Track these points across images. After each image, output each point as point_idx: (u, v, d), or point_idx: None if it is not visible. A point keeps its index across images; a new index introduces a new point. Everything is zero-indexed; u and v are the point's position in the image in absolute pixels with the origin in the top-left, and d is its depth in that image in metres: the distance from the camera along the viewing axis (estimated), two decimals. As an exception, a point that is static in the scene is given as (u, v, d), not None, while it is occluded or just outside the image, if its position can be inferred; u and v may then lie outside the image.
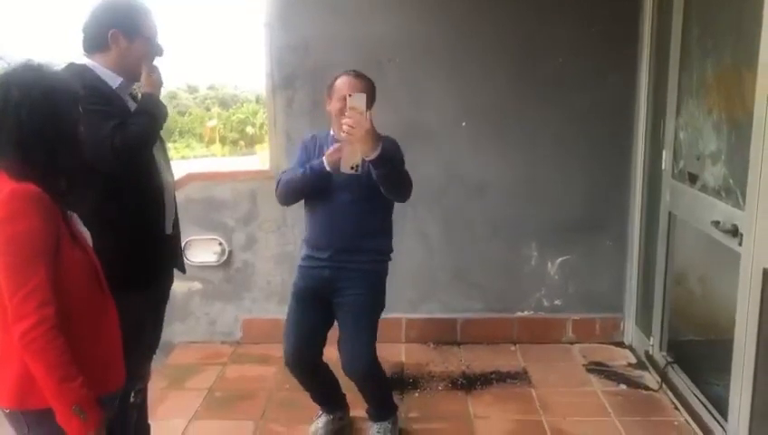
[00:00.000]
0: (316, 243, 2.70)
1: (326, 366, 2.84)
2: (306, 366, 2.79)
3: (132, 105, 2.29)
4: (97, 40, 2.19)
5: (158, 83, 2.31)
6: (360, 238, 2.64)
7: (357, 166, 2.39)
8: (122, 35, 2.17)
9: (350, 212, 2.61)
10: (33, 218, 1.48)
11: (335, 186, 2.58)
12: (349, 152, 2.38)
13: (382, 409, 2.87)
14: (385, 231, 2.73)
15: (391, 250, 2.76)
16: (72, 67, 2.18)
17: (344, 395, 2.97)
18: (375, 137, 2.34)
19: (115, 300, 1.77)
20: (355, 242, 2.63)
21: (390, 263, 2.78)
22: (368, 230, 2.65)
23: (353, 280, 2.65)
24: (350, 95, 2.36)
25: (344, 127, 2.33)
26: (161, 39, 2.30)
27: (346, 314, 2.69)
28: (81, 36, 2.22)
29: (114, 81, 2.20)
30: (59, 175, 1.57)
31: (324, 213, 2.66)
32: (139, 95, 2.34)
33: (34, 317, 1.45)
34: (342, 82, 2.57)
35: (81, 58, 2.22)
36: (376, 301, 2.72)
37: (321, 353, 2.79)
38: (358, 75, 2.59)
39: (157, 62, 2.32)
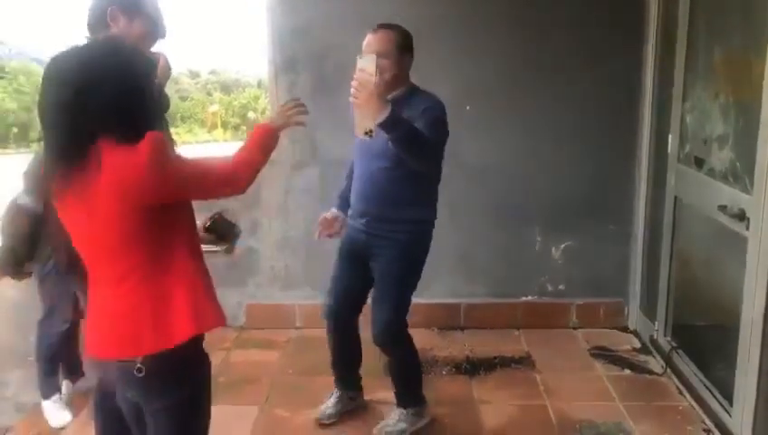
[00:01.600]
0: (355, 208, 2.73)
1: (358, 335, 2.88)
2: (340, 322, 2.84)
3: None
4: (98, 19, 2.16)
5: (164, 72, 2.26)
6: (394, 207, 2.60)
7: (370, 130, 2.27)
8: (121, 13, 2.14)
9: (386, 179, 2.57)
10: (172, 148, 1.70)
11: (372, 153, 2.55)
12: (359, 117, 2.28)
13: (405, 393, 2.84)
14: (422, 200, 2.65)
15: (431, 219, 2.70)
16: None
17: (360, 377, 3.00)
18: (381, 99, 2.23)
19: None
20: (389, 210, 2.60)
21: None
22: (403, 199, 2.59)
23: (387, 248, 2.64)
24: (359, 57, 2.29)
25: (351, 90, 2.25)
26: (165, 20, 2.26)
27: (377, 279, 2.71)
28: (86, 16, 2.20)
29: None
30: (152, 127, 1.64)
31: (362, 180, 2.66)
32: None
33: (235, 175, 1.76)
34: (365, 43, 2.52)
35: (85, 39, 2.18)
36: (406, 271, 2.67)
37: (357, 313, 2.83)
38: (379, 29, 2.51)
39: (158, 45, 2.29)
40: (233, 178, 1.75)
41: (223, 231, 2.07)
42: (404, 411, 2.82)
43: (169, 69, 2.30)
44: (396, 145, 2.35)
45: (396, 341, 2.71)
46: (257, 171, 1.81)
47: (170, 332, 1.62)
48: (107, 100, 1.54)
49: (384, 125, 2.23)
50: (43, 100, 1.56)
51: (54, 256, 2.69)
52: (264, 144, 1.86)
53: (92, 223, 1.58)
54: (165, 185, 1.57)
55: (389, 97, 2.38)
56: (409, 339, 2.75)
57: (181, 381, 1.69)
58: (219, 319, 1.73)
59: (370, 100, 2.21)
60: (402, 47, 2.51)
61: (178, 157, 1.66)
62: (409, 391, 2.85)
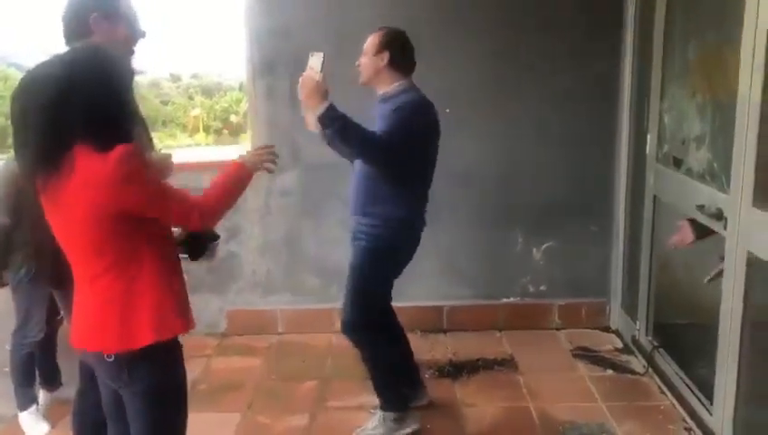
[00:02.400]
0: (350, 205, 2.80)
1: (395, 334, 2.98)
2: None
3: None
4: (78, 27, 2.09)
5: (166, 170, 2.26)
6: (368, 204, 2.68)
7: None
8: (104, 19, 2.10)
9: (364, 176, 2.68)
10: (146, 163, 1.68)
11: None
12: (305, 111, 2.49)
13: (381, 394, 2.82)
14: (394, 198, 2.65)
15: (403, 218, 2.68)
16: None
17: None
18: (320, 95, 2.38)
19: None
20: (365, 207, 2.69)
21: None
22: (376, 196, 2.66)
23: (358, 241, 2.72)
24: (310, 54, 2.46)
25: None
26: (142, 21, 2.23)
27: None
28: (61, 26, 2.13)
29: None
30: (130, 138, 1.66)
31: (352, 178, 2.77)
32: None
33: (197, 207, 1.73)
34: None
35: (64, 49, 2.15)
36: (367, 264, 2.69)
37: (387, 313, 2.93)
38: (375, 31, 2.70)
39: (140, 47, 2.25)
40: (191, 216, 1.74)
41: (194, 250, 2.05)
42: (383, 415, 2.80)
43: (172, 168, 2.28)
44: (333, 140, 2.55)
45: (355, 334, 2.73)
46: (221, 213, 1.83)
47: (134, 335, 1.67)
48: (88, 108, 1.57)
49: (321, 120, 2.39)
50: (25, 105, 1.59)
51: (36, 262, 2.65)
52: (237, 185, 1.88)
53: (67, 225, 1.65)
54: (128, 198, 1.60)
55: (381, 94, 2.65)
56: (376, 336, 2.75)
57: (150, 372, 1.73)
58: (184, 326, 1.77)
59: (311, 95, 2.38)
60: (381, 46, 2.63)
61: (150, 176, 1.66)
62: (384, 392, 2.82)
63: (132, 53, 2.21)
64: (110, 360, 1.70)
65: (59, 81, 1.57)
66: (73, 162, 1.56)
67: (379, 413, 2.81)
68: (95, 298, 1.70)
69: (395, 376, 2.86)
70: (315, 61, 2.42)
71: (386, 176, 2.62)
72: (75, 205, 1.59)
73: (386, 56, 2.62)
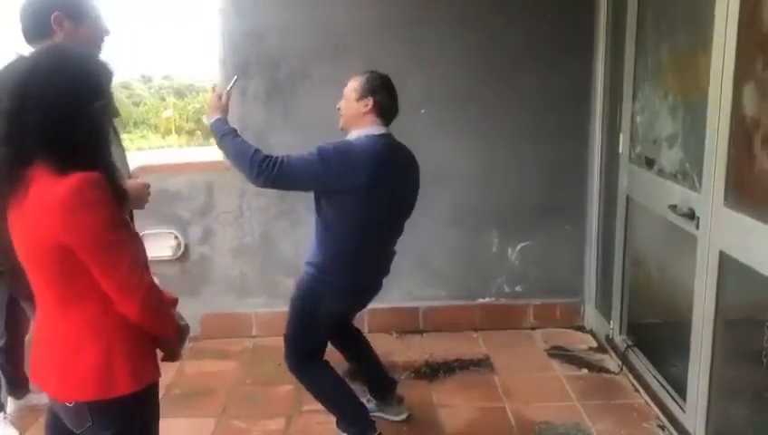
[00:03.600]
0: None
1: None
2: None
3: None
4: (39, 26, 2.04)
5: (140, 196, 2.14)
6: (311, 247, 2.60)
7: None
8: (67, 18, 2.04)
9: (315, 223, 2.58)
10: (110, 201, 1.44)
11: None
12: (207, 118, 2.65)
13: (336, 418, 2.77)
14: (320, 245, 2.53)
15: (324, 268, 2.52)
16: (18, 60, 2.05)
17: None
18: (216, 108, 2.52)
19: None
20: (308, 255, 2.61)
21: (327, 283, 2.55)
22: (313, 241, 2.57)
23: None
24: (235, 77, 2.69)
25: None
26: (106, 19, 2.18)
27: None
28: (20, 25, 2.07)
29: None
30: (97, 164, 1.46)
31: None
32: None
33: (145, 284, 1.49)
34: None
35: (23, 49, 2.05)
36: (296, 310, 2.63)
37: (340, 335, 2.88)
38: (356, 75, 2.57)
39: (106, 46, 2.20)
40: (135, 292, 1.48)
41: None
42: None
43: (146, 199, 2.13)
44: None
45: (293, 371, 2.69)
46: (161, 320, 1.58)
47: (106, 383, 1.51)
48: (46, 121, 1.40)
49: (210, 128, 2.53)
50: None
51: None
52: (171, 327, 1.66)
53: (22, 250, 1.50)
54: (70, 235, 1.40)
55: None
56: (312, 371, 2.68)
57: (119, 422, 1.57)
58: (158, 373, 1.65)
59: (211, 106, 2.53)
60: (366, 91, 2.49)
61: (108, 216, 1.44)
62: (334, 414, 2.75)
63: (99, 51, 2.16)
64: (71, 406, 1.53)
65: (15, 88, 1.40)
66: (29, 182, 1.40)
67: (339, 431, 2.75)
68: (56, 335, 1.52)
69: (342, 407, 2.74)
70: (232, 82, 2.64)
71: (328, 223, 2.48)
72: (26, 230, 1.44)
73: (370, 102, 2.48)
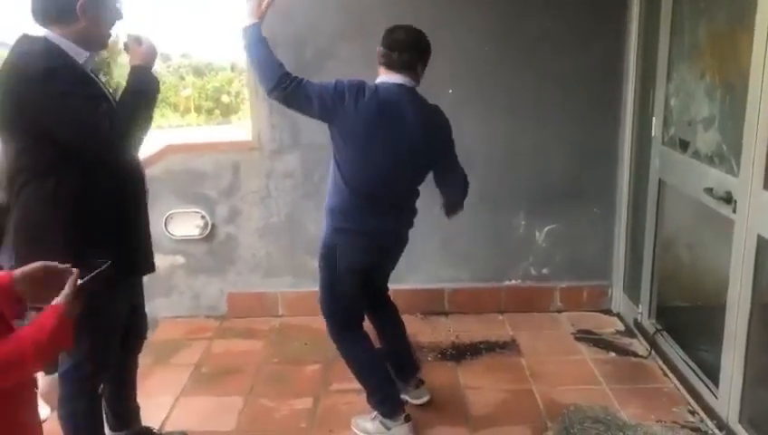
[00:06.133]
0: None
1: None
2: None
3: (98, 81, 2.16)
4: (60, 11, 1.99)
5: (150, 54, 2.17)
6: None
7: None
8: (90, 4, 1.99)
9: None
10: None
11: None
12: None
13: (367, 394, 2.77)
14: (330, 188, 2.60)
15: (332, 211, 2.57)
16: (29, 41, 2.00)
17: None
18: (254, 12, 2.53)
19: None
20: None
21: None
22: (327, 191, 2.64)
23: None
24: None
25: None
26: (121, 2, 2.15)
27: None
28: (34, 4, 2.01)
29: (80, 55, 2.04)
30: None
31: None
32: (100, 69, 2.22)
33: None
34: None
35: (36, 29, 2.03)
36: (321, 273, 2.68)
37: (371, 307, 2.87)
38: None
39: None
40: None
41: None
42: (374, 412, 2.75)
43: (154, 53, 2.19)
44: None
45: (332, 339, 2.74)
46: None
47: None
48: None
49: (243, 31, 2.54)
50: None
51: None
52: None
53: None
54: None
55: None
56: (346, 342, 2.72)
57: None
58: None
59: (251, 8, 2.53)
60: (380, 42, 2.55)
61: None
62: (366, 391, 2.76)
63: (108, 36, 2.14)
64: None
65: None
66: None
67: (370, 411, 2.77)
68: None
69: (367, 382, 2.75)
70: None
71: (335, 165, 2.55)
72: None
73: (379, 52, 2.53)
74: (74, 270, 1.49)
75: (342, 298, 2.66)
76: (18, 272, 1.47)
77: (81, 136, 1.96)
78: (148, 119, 2.13)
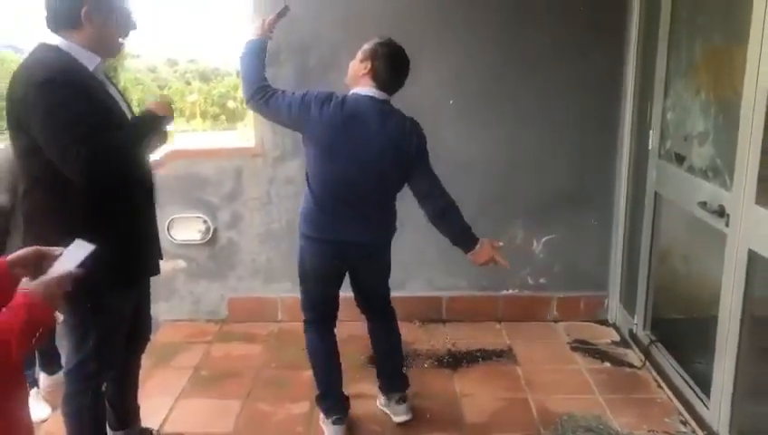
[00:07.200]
0: None
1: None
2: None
3: (109, 86, 2.21)
4: (66, 17, 2.04)
5: (167, 111, 2.25)
6: None
7: None
8: (96, 12, 2.05)
9: None
10: None
11: None
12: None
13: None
14: (303, 197, 2.70)
15: (301, 215, 2.67)
16: (43, 48, 2.05)
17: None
18: (262, 28, 2.80)
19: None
20: None
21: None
22: None
23: None
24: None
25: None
26: (135, 12, 2.20)
27: None
28: (45, 12, 2.06)
29: (91, 61, 2.08)
30: None
31: None
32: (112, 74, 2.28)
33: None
34: None
35: (51, 37, 2.07)
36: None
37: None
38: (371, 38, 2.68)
39: (134, 34, 2.23)
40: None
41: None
42: None
43: (171, 114, 2.27)
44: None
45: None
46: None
47: None
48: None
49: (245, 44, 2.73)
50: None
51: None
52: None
53: None
54: None
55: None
56: (306, 335, 2.83)
57: None
58: None
59: (260, 25, 2.79)
60: (368, 55, 2.57)
61: None
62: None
63: (121, 45, 2.18)
64: None
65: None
66: None
67: None
68: None
69: (315, 372, 2.85)
70: (280, 10, 2.89)
71: (307, 170, 2.64)
72: None
73: (368, 66, 2.53)
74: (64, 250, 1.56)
75: (307, 297, 2.79)
76: (12, 256, 1.53)
77: (54, 156, 1.96)
78: (134, 154, 2.15)
